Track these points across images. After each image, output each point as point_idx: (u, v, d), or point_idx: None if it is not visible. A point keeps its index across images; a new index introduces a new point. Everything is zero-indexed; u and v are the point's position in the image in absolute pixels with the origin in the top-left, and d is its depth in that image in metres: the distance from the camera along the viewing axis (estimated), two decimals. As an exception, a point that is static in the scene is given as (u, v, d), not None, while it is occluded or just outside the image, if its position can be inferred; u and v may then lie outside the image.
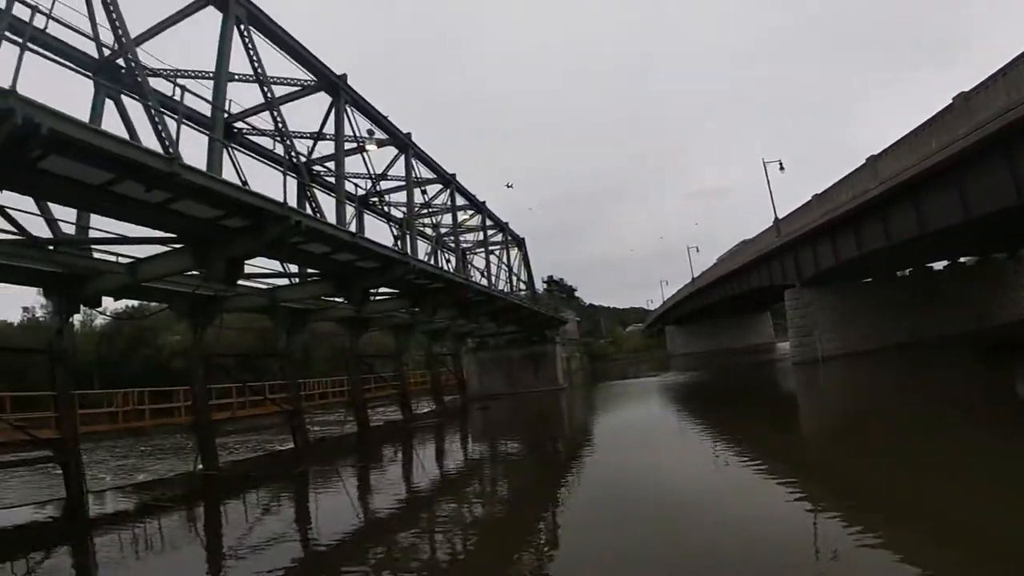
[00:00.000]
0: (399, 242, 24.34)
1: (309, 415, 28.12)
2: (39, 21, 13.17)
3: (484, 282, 34.57)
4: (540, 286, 61.52)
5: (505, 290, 40.84)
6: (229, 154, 18.55)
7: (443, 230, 31.80)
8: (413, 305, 28.09)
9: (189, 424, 23.60)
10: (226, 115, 17.29)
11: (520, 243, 49.57)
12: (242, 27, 15.97)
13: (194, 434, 22.98)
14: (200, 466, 21.45)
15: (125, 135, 14.49)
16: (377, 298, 27.46)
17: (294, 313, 27.56)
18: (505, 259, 44.28)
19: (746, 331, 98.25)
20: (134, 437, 24.38)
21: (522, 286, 48.78)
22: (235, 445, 27.85)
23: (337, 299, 26.52)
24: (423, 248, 25.42)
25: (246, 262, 16.95)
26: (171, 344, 49.99)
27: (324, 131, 21.83)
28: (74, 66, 16.16)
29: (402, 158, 25.27)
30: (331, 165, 21.98)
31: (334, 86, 19.82)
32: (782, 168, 51.42)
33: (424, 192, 28.57)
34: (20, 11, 12.15)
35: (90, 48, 16.20)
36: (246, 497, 18.11)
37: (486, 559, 9.91)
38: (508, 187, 58.69)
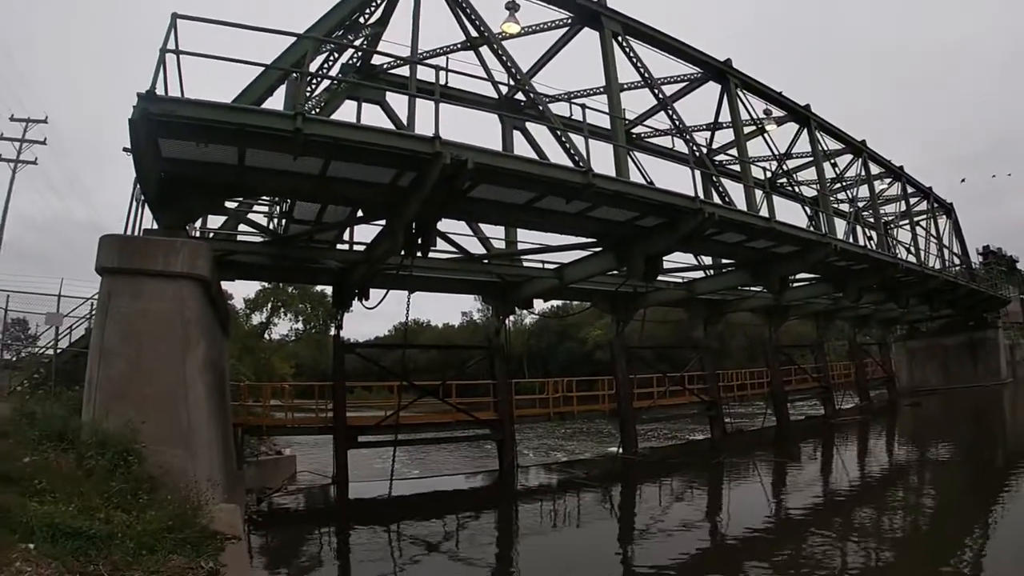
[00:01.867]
0: (813, 222, 23.14)
1: (726, 406, 28.11)
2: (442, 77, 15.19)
3: (912, 259, 30.83)
4: (975, 259, 52.66)
5: (937, 266, 35.91)
6: (633, 159, 19.43)
7: (860, 204, 29.18)
8: (835, 290, 26.33)
9: (611, 411, 25.08)
10: (625, 122, 18.16)
11: (948, 210, 42.56)
12: (620, 38, 16.71)
13: (616, 420, 24.61)
14: (620, 450, 22.84)
15: (536, 158, 15.96)
16: (796, 284, 26.33)
17: (710, 304, 27.98)
18: (933, 230, 39.00)
19: None
20: (560, 421, 26.72)
21: (955, 260, 42.33)
22: (653, 432, 29.03)
23: (754, 288, 25.99)
24: (840, 226, 23.59)
25: (663, 258, 17.51)
26: (594, 337, 53.82)
27: (720, 120, 21.71)
28: (480, 109, 18.79)
29: (804, 132, 23.93)
30: (733, 152, 21.76)
31: (721, 73, 19.58)
32: None
33: (834, 165, 26.57)
34: (425, 74, 14.54)
35: (489, 91, 18.84)
36: (661, 482, 18.81)
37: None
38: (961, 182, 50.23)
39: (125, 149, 10.28)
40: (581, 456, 24.82)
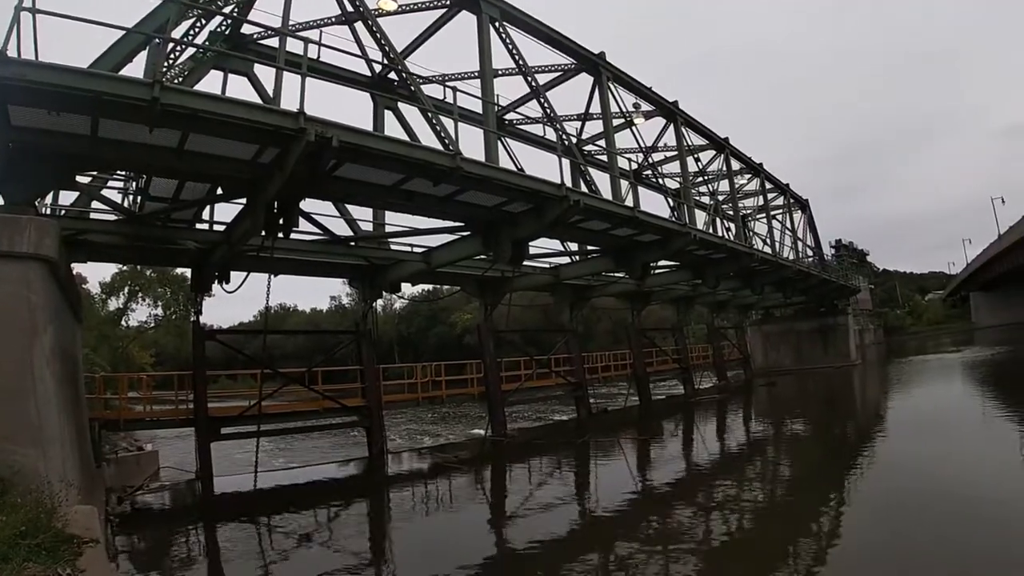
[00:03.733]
0: (675, 213, 24.16)
1: (591, 387, 29.23)
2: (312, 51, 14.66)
3: (768, 250, 32.90)
4: (828, 252, 56.98)
5: (791, 257, 38.57)
6: (503, 144, 19.64)
7: (720, 197, 30.77)
8: (694, 277, 27.69)
9: (480, 394, 25.37)
10: (496, 108, 18.25)
11: (804, 205, 46.17)
12: (496, 24, 16.84)
13: (485, 403, 24.88)
14: (489, 432, 23.12)
15: (405, 139, 15.79)
16: (657, 271, 27.39)
17: (576, 289, 28.74)
18: (788, 224, 41.82)
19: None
20: (429, 406, 26.87)
21: (808, 252, 45.57)
22: (521, 414, 29.59)
23: (617, 274, 26.97)
24: (701, 218, 24.84)
25: (530, 243, 17.89)
26: (463, 322, 54.28)
27: (590, 111, 22.27)
28: (351, 86, 18.65)
29: (671, 127, 24.94)
30: (602, 143, 22.39)
31: (594, 66, 20.15)
32: None
33: (697, 160, 27.83)
34: (295, 46, 13.87)
35: (362, 68, 18.58)
36: (531, 462, 19.21)
37: (761, 544, 9.60)
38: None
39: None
40: (451, 440, 24.94)
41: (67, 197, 15.29)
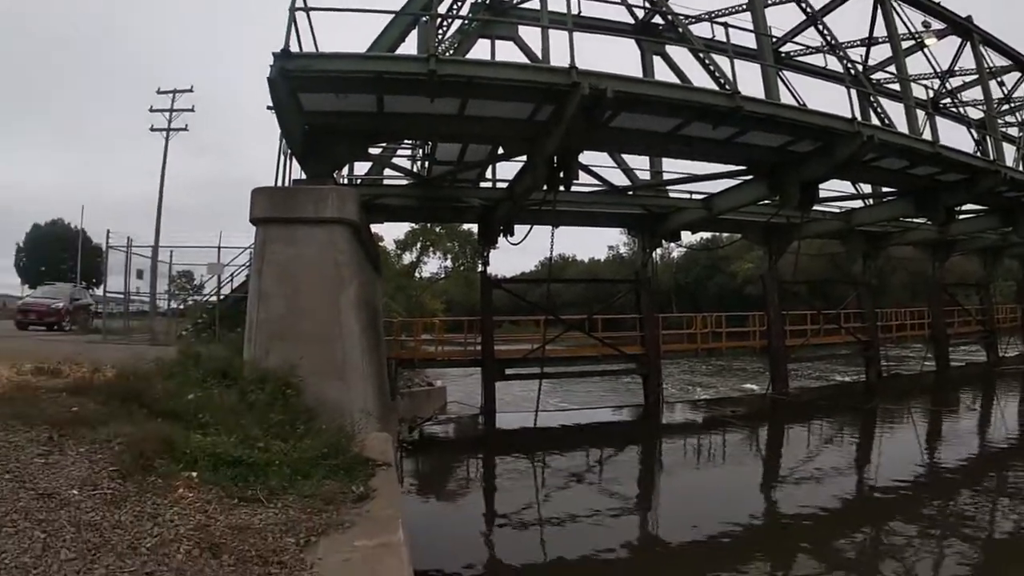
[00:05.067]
0: (980, 147, 21.11)
1: (883, 347, 26.67)
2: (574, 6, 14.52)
3: None
4: None
5: None
6: (782, 79, 18.25)
7: None
8: (1003, 224, 24.15)
9: (761, 348, 24.51)
10: (772, 40, 17.06)
11: None
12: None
13: (765, 358, 23.99)
14: (769, 389, 22.30)
15: (678, 83, 15.33)
16: (962, 217, 24.25)
17: (869, 237, 26.21)
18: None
19: None
20: (708, 357, 26.40)
21: None
22: (805, 372, 28.08)
23: (916, 219, 24.22)
24: (1010, 153, 21.29)
25: (819, 186, 16.63)
26: (744, 271, 52.12)
27: (875, 34, 19.91)
28: (617, 35, 18.38)
29: (967, 47, 21.57)
30: (891, 69, 20.00)
31: (873, -20, 17.78)
32: None
33: (1001, 84, 23.81)
34: (557, 4, 13.82)
35: (624, 16, 18.30)
36: (810, 425, 18.30)
37: None
38: None
39: (268, 107, 10.87)
40: (729, 395, 24.44)
41: (363, 167, 17.18)
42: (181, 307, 21.80)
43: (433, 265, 53.79)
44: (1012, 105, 24.47)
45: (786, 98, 15.33)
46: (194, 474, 5.21)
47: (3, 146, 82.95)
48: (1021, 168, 20.91)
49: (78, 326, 21.85)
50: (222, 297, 17.51)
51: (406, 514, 5.66)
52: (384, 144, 16.62)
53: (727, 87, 12.93)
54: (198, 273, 21.62)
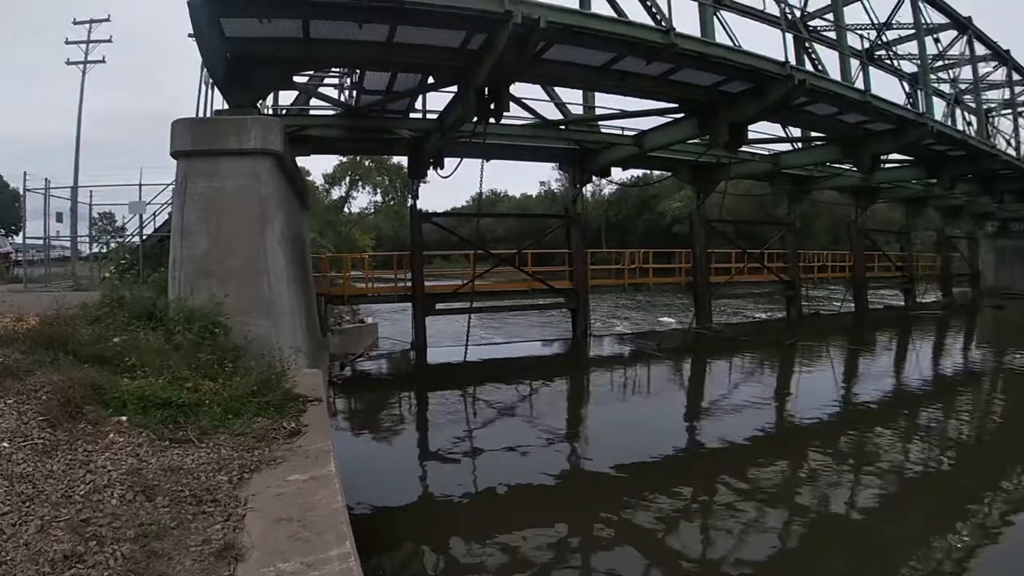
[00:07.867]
0: (911, 100, 21.72)
1: (804, 287, 27.86)
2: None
3: (1012, 152, 28.65)
4: None
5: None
6: (719, 19, 18.24)
7: (961, 87, 26.95)
8: (927, 176, 25.04)
9: (687, 284, 25.14)
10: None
11: None
12: None
13: (691, 294, 24.63)
14: (694, 324, 22.97)
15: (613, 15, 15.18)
16: (887, 166, 24.99)
17: (795, 180, 26.97)
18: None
19: None
20: (635, 292, 26.99)
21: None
22: (727, 309, 28.99)
23: (843, 166, 25.00)
24: (939, 108, 21.91)
25: (749, 128, 16.84)
26: (673, 210, 53.00)
27: (816, -21, 20.06)
28: None
29: (907, 1, 21.99)
30: (829, 17, 20.21)
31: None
32: None
33: (937, 41, 24.38)
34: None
35: None
36: (732, 359, 18.94)
37: (956, 481, 8.99)
38: None
39: (190, 35, 10.29)
40: (654, 328, 25.09)
41: (288, 97, 16.56)
42: (104, 250, 20.95)
43: (363, 200, 53.10)
44: (945, 63, 25.14)
45: (722, 38, 15.32)
46: (124, 418, 5.17)
47: None
48: (949, 123, 21.62)
49: (-2, 275, 20.60)
50: (144, 237, 16.77)
51: (339, 450, 5.71)
52: (310, 72, 16.11)
53: (663, 23, 12.82)
54: (120, 213, 20.84)
